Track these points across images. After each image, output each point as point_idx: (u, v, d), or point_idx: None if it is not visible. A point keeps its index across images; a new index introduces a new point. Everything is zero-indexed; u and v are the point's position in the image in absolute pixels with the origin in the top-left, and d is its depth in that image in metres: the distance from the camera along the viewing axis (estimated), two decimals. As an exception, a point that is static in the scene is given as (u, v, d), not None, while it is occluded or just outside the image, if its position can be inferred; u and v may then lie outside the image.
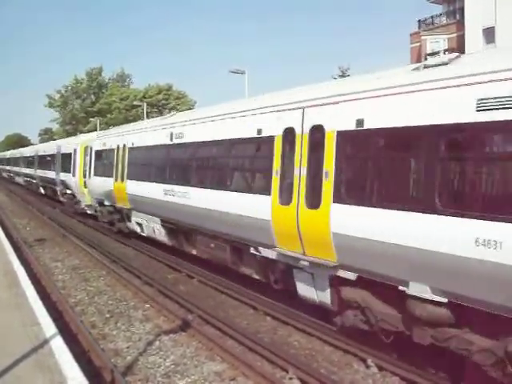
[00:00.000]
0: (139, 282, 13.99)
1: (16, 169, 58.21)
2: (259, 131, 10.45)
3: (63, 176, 30.04)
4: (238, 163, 12.01)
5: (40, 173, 39.98)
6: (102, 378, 7.83)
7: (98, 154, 22.30)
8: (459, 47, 38.95)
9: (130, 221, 18.92)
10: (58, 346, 7.53)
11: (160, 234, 16.19)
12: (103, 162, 21.53)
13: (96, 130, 51.25)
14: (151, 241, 17.96)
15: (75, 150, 27.38)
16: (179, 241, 15.31)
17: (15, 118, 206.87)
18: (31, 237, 21.99)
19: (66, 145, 31.18)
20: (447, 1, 44.87)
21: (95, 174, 22.31)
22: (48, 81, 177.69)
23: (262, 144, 10.54)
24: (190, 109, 58.21)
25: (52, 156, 35.14)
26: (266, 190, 9.98)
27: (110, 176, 19.65)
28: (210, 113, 13.12)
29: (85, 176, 25.08)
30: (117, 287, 13.68)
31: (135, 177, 17.49)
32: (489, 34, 37.05)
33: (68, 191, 29.43)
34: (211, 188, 12.25)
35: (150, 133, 16.88)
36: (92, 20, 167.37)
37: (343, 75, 41.91)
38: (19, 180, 56.05)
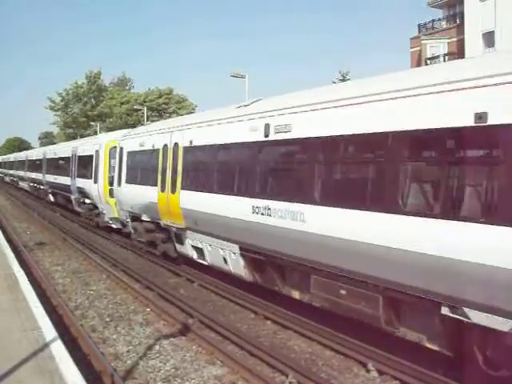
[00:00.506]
0: (139, 285, 13.98)
1: (21, 173, 53.92)
2: (481, 117, 6.36)
3: (81, 182, 25.74)
4: (423, 170, 7.72)
5: (50, 178, 35.49)
6: (102, 382, 7.82)
7: (133, 156, 17.93)
8: (459, 51, 39.10)
9: (181, 243, 14.72)
10: (59, 350, 7.52)
11: (236, 266, 11.84)
12: (141, 166, 17.25)
13: (97, 134, 51.16)
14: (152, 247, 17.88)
15: (97, 152, 23.13)
16: (269, 278, 11.11)
17: (14, 121, 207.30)
18: (31, 241, 21.99)
19: (85, 146, 26.75)
20: (447, 5, 45.06)
21: (128, 182, 18.03)
22: (47, 84, 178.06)
23: (484, 138, 6.53)
24: (191, 113, 58.11)
25: (66, 159, 30.64)
26: (501, 216, 6.14)
27: (152, 184, 15.52)
28: (353, 92, 8.70)
29: (111, 183, 21.01)
30: (117, 291, 13.68)
31: (196, 187, 13.27)
32: (489, 38, 37.18)
33: (87, 200, 25.15)
34: (356, 208, 8.00)
35: (221, 126, 12.34)
36: (91, 22, 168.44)
37: (344, 79, 42.04)
38: (24, 185, 52.37)
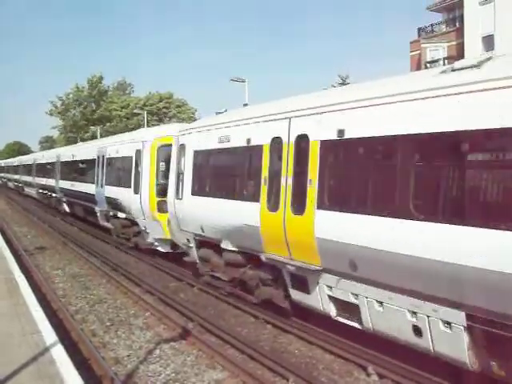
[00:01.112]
0: (140, 290, 13.98)
1: (28, 178, 48.05)
2: None
3: (113, 192, 20.49)
4: None
5: (65, 185, 29.99)
6: (102, 386, 7.85)
7: (205, 156, 13.11)
8: (459, 55, 39.19)
9: (304, 290, 9.73)
10: (59, 354, 7.53)
11: (445, 344, 7.10)
12: (221, 171, 12.91)
13: (96, 138, 50.95)
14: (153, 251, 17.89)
15: (139, 152, 17.91)
16: None
17: (13, 126, 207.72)
18: (32, 245, 22.00)
19: (118, 145, 21.11)
20: (447, 9, 45.23)
21: (196, 193, 13.20)
22: (47, 88, 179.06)
23: None
24: (191, 117, 58.08)
25: (88, 162, 25.18)
26: None
27: (249, 199, 10.83)
28: None
29: (161, 193, 16.39)
30: (117, 295, 13.68)
31: (358, 206, 8.22)
32: (488, 42, 37.31)
33: (120, 214, 19.76)
34: None
35: (418, 104, 7.13)
36: (91, 25, 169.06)
37: (343, 83, 42.14)
38: (31, 192, 47.00)
